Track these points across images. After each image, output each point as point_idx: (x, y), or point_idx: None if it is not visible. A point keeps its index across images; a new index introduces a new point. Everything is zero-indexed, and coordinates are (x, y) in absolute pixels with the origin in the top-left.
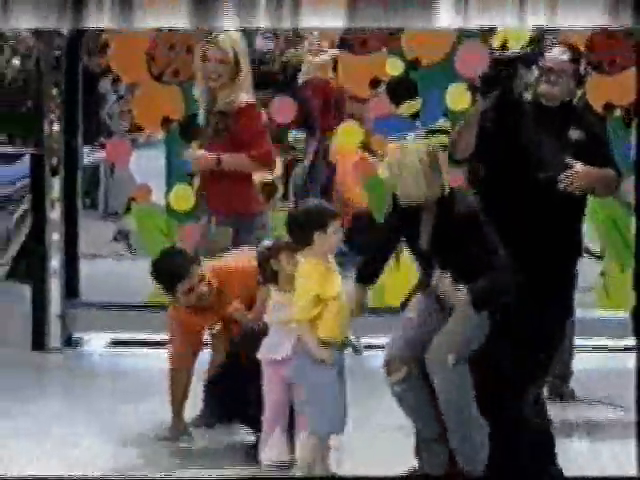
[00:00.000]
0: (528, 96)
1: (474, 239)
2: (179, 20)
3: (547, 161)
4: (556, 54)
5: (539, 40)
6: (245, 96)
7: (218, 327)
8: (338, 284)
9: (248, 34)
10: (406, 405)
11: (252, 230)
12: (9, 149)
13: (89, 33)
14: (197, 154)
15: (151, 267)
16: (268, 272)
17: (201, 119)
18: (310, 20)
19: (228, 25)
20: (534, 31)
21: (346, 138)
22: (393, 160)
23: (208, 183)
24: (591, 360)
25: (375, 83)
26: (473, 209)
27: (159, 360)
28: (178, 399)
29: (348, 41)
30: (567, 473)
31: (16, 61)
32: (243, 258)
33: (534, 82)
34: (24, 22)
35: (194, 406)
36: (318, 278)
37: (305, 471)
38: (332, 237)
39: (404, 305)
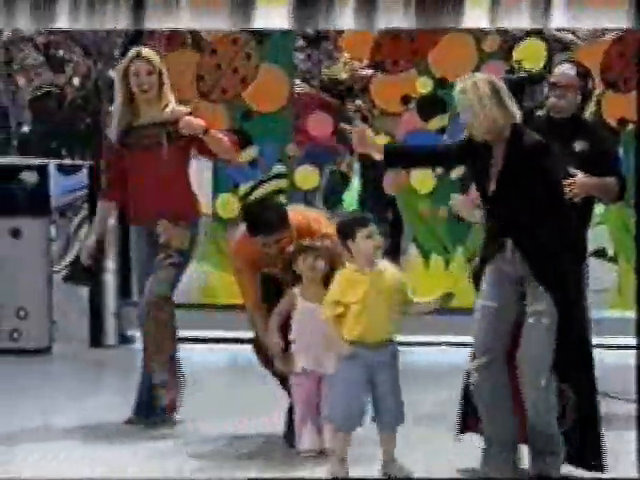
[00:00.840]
0: (541, 112)
1: (541, 176)
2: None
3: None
4: (564, 70)
5: (549, 58)
6: (181, 105)
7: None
8: (365, 288)
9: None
10: (480, 397)
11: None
12: (69, 162)
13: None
14: (195, 120)
15: (258, 207)
16: (293, 275)
17: (113, 135)
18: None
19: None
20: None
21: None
22: (457, 94)
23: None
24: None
25: (406, 100)
26: (540, 142)
27: (206, 355)
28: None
29: (380, 61)
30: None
31: (75, 81)
32: (300, 214)
33: (545, 97)
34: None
35: None
36: (342, 283)
37: (332, 461)
38: (362, 244)
39: (476, 279)
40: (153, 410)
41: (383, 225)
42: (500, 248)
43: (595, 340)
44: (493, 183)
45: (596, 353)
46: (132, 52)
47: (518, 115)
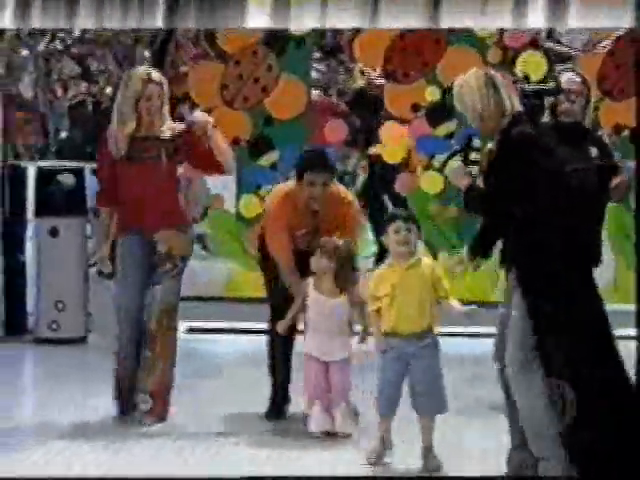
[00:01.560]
0: (546, 118)
1: (523, 168)
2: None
3: (574, 173)
4: (571, 76)
5: (550, 68)
6: (175, 123)
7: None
8: (394, 281)
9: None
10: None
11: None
12: None
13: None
14: (206, 117)
15: (309, 151)
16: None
17: (117, 147)
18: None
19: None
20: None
21: (391, 156)
22: (456, 86)
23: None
24: None
25: (415, 108)
26: (523, 133)
27: (229, 345)
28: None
29: (392, 71)
30: None
31: (108, 90)
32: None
33: (553, 103)
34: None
35: None
36: (375, 279)
37: (374, 443)
38: (391, 237)
39: None
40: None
41: None
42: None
43: None
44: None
45: None
46: (142, 74)
47: (514, 106)
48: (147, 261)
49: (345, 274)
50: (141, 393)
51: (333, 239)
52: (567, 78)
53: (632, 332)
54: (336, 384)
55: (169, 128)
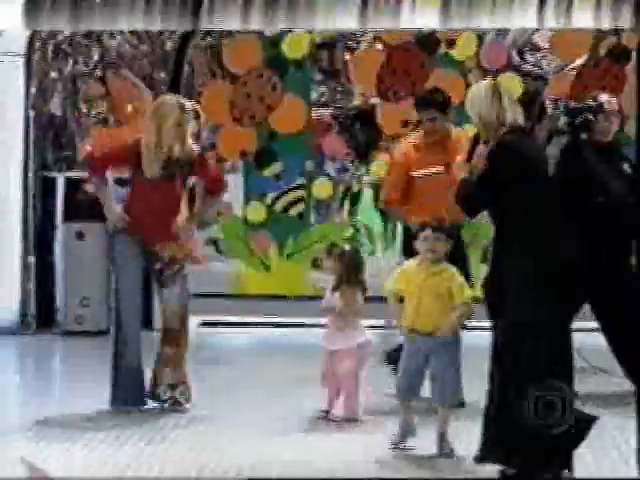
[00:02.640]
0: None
1: (497, 177)
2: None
3: (609, 187)
4: (607, 98)
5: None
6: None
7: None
8: (417, 282)
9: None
10: None
11: None
12: (124, 175)
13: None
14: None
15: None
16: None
17: (158, 167)
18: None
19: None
20: None
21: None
22: (469, 92)
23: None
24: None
25: (405, 124)
26: (501, 143)
27: (239, 337)
28: None
29: (384, 91)
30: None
31: (129, 108)
32: None
33: (587, 120)
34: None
35: None
36: (397, 274)
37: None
38: (419, 244)
39: None
40: (151, 397)
41: None
42: None
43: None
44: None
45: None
46: (175, 103)
47: (515, 119)
48: (144, 262)
49: (345, 276)
50: (175, 385)
51: (341, 245)
52: (606, 99)
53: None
54: (340, 372)
55: (187, 149)
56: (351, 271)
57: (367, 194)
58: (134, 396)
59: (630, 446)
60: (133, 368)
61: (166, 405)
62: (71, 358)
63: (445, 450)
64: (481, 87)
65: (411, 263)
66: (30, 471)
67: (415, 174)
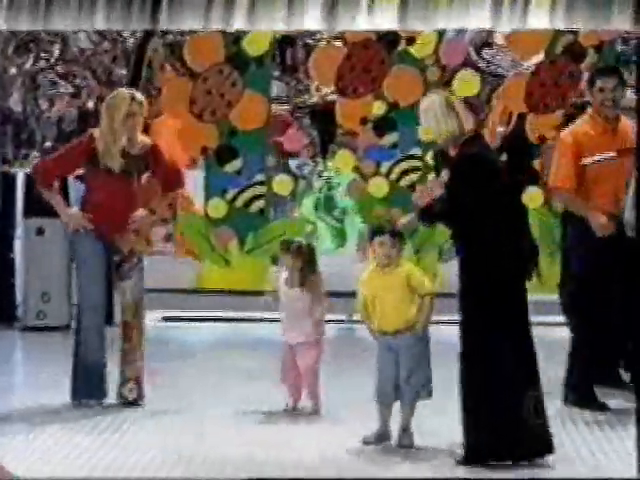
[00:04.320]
0: None
1: (460, 187)
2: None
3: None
4: (632, 95)
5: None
6: (146, 138)
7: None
8: (376, 285)
9: (266, 81)
10: None
11: None
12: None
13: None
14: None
15: None
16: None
17: (118, 160)
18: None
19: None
20: None
21: (341, 163)
22: (422, 106)
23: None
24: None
25: (364, 121)
26: (465, 155)
27: (200, 332)
28: None
29: (343, 88)
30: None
31: (90, 104)
32: None
33: None
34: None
35: None
36: (362, 278)
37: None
38: (376, 248)
39: None
40: (104, 393)
41: None
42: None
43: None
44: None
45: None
46: (127, 94)
47: (470, 124)
48: (107, 258)
49: (306, 269)
50: (124, 381)
51: (298, 241)
52: (629, 95)
53: (554, 320)
54: (302, 365)
55: (140, 144)
56: (312, 263)
57: (337, 190)
58: (93, 390)
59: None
60: (93, 362)
61: (116, 402)
62: (32, 353)
63: (404, 442)
64: (435, 100)
65: (368, 267)
66: None
67: (587, 161)
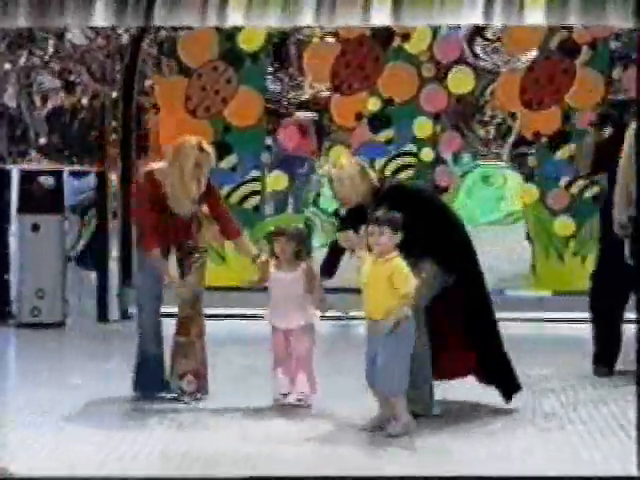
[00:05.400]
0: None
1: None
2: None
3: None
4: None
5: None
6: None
7: None
8: (367, 272)
9: (260, 77)
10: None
11: None
12: (79, 168)
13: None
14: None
15: None
16: (271, 249)
17: (189, 208)
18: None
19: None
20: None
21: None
22: (334, 176)
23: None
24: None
25: (358, 117)
26: (394, 185)
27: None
28: None
29: (338, 84)
30: None
31: (84, 101)
32: None
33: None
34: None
35: None
36: (361, 264)
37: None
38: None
39: None
40: (167, 387)
41: None
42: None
43: (514, 315)
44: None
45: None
46: (194, 143)
47: (375, 185)
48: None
49: (302, 253)
50: (183, 375)
51: (292, 226)
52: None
53: (546, 316)
54: (298, 350)
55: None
56: (307, 247)
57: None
58: (154, 383)
59: None
60: (154, 355)
61: (175, 395)
62: (27, 350)
63: (390, 431)
64: (350, 171)
65: (367, 256)
66: None
67: None
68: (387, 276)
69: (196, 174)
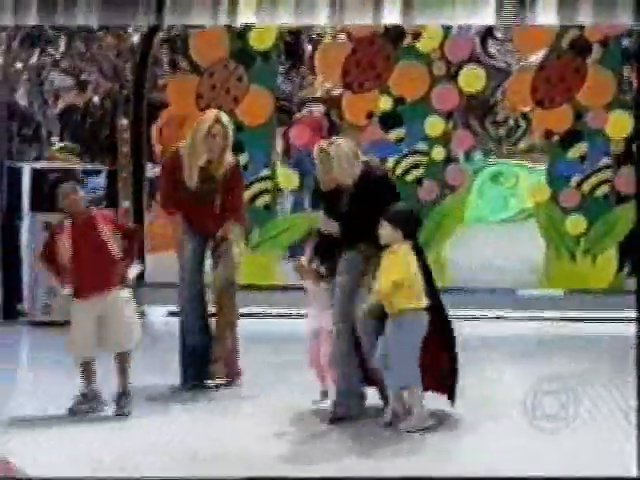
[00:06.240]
0: None
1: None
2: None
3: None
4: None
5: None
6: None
7: None
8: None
9: (271, 75)
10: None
11: None
12: (90, 166)
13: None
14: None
15: None
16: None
17: (195, 176)
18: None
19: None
20: None
21: None
22: (332, 153)
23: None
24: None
25: (370, 115)
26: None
27: None
28: None
29: (349, 83)
30: None
31: (95, 99)
32: None
33: None
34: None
35: None
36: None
37: None
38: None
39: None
40: (206, 376)
41: None
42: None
43: (526, 314)
44: (350, 208)
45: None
46: (213, 115)
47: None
48: (203, 249)
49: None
50: (215, 361)
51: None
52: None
53: (559, 315)
54: (327, 351)
55: (226, 166)
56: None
57: None
58: (200, 373)
59: None
60: (198, 346)
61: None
62: (38, 348)
63: (408, 427)
64: (345, 149)
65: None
66: None
67: None
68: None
69: (208, 143)
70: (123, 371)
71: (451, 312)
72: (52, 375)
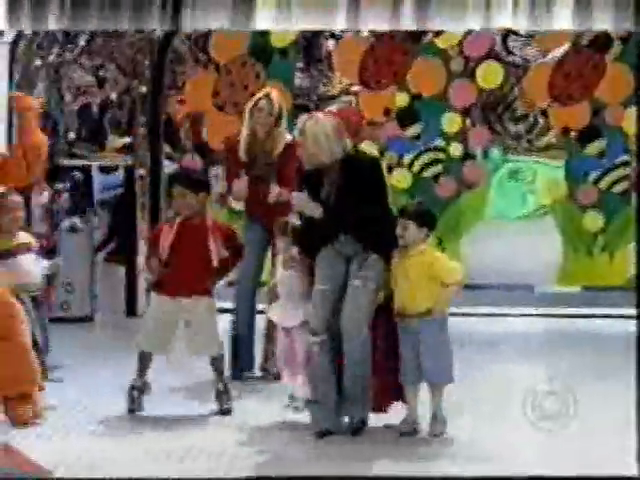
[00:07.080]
0: None
1: (373, 183)
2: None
3: None
4: None
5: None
6: (287, 137)
7: None
8: (396, 267)
9: (289, 72)
10: (320, 368)
11: None
12: (109, 162)
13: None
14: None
15: None
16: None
17: (244, 149)
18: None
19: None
20: None
21: None
22: (306, 129)
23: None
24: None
25: (387, 112)
26: (375, 158)
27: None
28: None
29: (366, 80)
30: None
31: (113, 96)
32: None
33: None
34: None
35: None
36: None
37: None
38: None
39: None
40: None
41: None
42: (335, 238)
43: (544, 310)
44: (332, 194)
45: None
46: (265, 90)
47: (348, 147)
48: (264, 242)
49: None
50: (268, 357)
51: (286, 219)
52: None
53: (577, 311)
54: (299, 349)
55: (278, 147)
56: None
57: None
58: (247, 363)
59: None
60: (246, 337)
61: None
62: (56, 344)
63: (435, 430)
64: (323, 125)
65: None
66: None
67: None
68: (418, 271)
69: (253, 115)
70: (220, 373)
71: (468, 309)
72: (69, 371)
